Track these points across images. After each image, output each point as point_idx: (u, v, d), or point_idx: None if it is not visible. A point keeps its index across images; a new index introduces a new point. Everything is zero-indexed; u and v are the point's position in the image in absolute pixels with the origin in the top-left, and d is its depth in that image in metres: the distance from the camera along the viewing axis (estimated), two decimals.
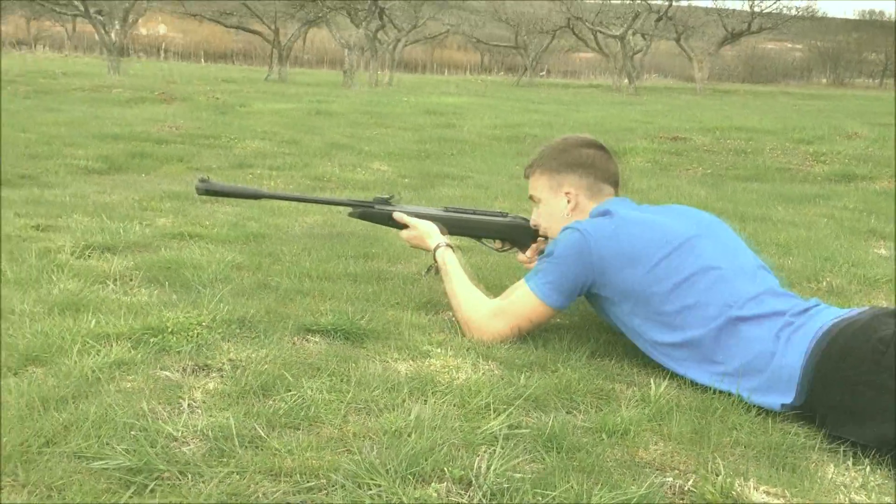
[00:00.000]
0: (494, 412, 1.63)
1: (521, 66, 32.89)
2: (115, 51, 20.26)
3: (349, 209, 2.51)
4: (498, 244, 2.49)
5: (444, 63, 48.26)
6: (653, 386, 1.82)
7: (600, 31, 27.93)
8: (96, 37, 23.03)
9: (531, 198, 2.32)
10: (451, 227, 2.44)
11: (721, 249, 2.02)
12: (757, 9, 27.93)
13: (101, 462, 1.33)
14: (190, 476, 1.32)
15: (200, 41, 44.75)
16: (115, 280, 2.43)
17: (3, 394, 1.57)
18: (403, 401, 1.67)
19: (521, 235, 2.43)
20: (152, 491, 1.28)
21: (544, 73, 39.34)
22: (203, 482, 1.31)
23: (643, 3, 26.92)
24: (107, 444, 1.39)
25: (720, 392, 1.82)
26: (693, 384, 1.89)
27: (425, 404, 1.64)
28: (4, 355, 1.78)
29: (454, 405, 1.66)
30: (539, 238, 2.37)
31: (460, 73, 42.99)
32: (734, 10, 29.31)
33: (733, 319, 1.85)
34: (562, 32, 31.25)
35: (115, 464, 1.33)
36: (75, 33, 41.01)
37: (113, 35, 20.83)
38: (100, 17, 21.22)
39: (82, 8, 21.21)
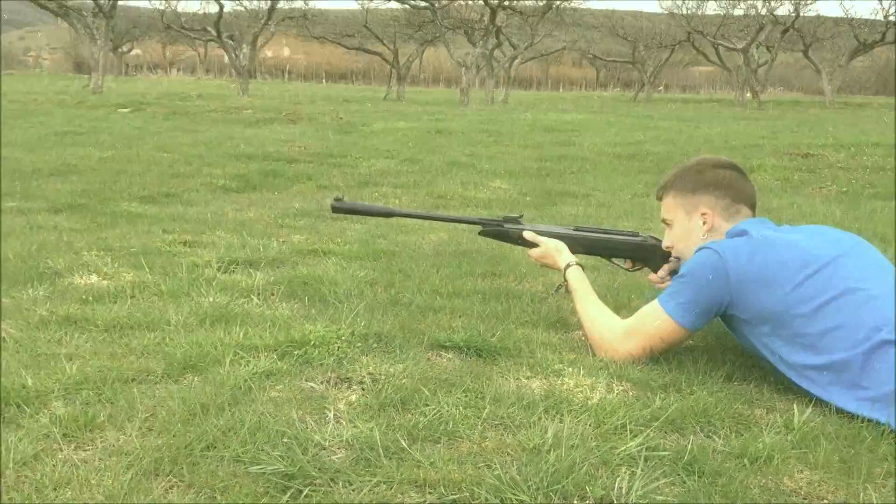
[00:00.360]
0: (631, 433, 1.63)
1: (636, 81, 32.37)
2: (244, 73, 21.25)
3: (478, 227, 2.56)
4: (629, 264, 2.48)
5: (559, 79, 48.08)
6: (796, 412, 1.77)
7: (722, 45, 27.20)
8: (225, 60, 24.24)
9: (664, 220, 2.30)
10: (582, 246, 2.45)
11: (867, 270, 1.95)
12: (892, 17, 26.49)
13: (257, 467, 1.42)
14: (340, 483, 1.39)
15: (321, 62, 46.37)
16: (258, 294, 2.56)
17: (167, 399, 1.69)
18: (539, 418, 1.69)
19: (652, 255, 2.42)
20: (307, 496, 1.35)
21: (661, 87, 38.60)
22: (353, 490, 1.37)
23: (767, 14, 26.03)
24: (262, 449, 1.47)
25: (867, 419, 1.75)
26: (837, 410, 1.82)
27: (561, 423, 1.66)
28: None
29: (590, 425, 1.67)
30: (671, 258, 2.35)
31: (575, 89, 42.74)
32: (866, 20, 27.96)
33: (883, 343, 1.78)
34: (680, 46, 30.61)
35: (271, 469, 1.41)
36: (206, 57, 43.24)
37: (242, 58, 21.86)
38: (230, 42, 22.35)
39: (215, 33, 22.40)
